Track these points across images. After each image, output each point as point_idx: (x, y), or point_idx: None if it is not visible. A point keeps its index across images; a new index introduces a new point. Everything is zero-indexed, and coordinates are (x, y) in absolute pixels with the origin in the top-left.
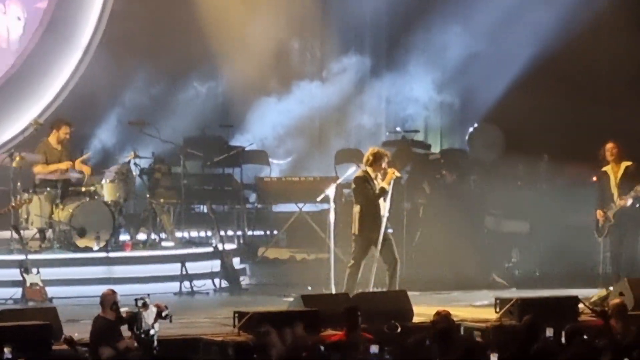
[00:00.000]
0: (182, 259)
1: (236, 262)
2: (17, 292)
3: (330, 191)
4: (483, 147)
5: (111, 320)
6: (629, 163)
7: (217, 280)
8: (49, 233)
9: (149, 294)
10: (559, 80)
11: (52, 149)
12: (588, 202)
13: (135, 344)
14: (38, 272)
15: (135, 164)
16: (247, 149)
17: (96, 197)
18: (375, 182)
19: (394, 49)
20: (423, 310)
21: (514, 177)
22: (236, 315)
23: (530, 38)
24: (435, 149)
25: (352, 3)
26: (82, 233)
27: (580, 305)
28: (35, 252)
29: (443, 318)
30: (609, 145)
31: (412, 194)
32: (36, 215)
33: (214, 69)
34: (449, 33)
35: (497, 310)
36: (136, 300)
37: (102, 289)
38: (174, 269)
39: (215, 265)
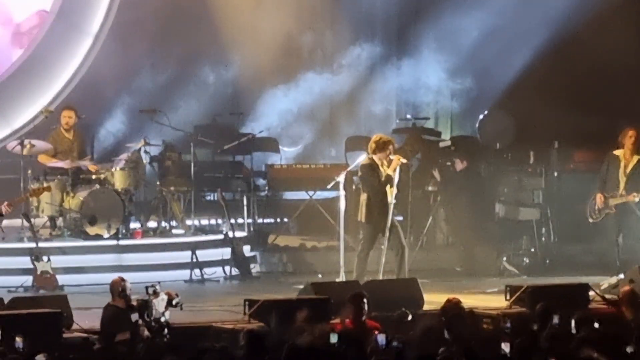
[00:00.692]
0: (193, 247)
1: (246, 249)
2: (27, 280)
3: (341, 178)
4: (493, 134)
5: (121, 308)
6: None
7: (227, 268)
8: (60, 221)
9: (159, 282)
10: (569, 66)
11: (62, 138)
12: (598, 180)
13: (146, 332)
14: (49, 260)
15: (146, 152)
16: (257, 136)
17: (107, 185)
18: (381, 169)
19: (404, 36)
20: (433, 298)
21: (525, 164)
22: (246, 302)
23: (541, 24)
24: (446, 136)
25: None
26: (92, 221)
27: (591, 293)
28: (46, 240)
29: (453, 306)
30: (631, 132)
31: (422, 181)
32: (47, 203)
33: (224, 56)
34: (459, 20)
35: (508, 297)
36: (147, 287)
37: (112, 276)
38: (185, 256)
39: (225, 252)
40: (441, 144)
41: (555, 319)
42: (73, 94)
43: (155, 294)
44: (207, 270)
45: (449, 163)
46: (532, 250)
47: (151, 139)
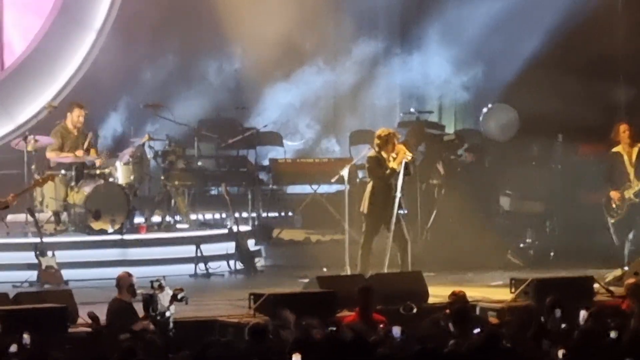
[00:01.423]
0: (197, 241)
1: (251, 243)
2: (32, 275)
3: (345, 172)
4: (497, 127)
5: (128, 302)
6: None
7: (232, 262)
8: (64, 216)
9: (164, 276)
10: (573, 60)
11: (68, 133)
12: (602, 182)
13: (151, 326)
14: (53, 254)
15: (150, 147)
16: (261, 130)
17: (111, 179)
18: (388, 162)
19: (408, 30)
20: (438, 291)
21: (529, 157)
22: (251, 297)
23: (545, 17)
24: (450, 129)
25: None
26: (97, 216)
27: (596, 285)
28: (51, 234)
29: (459, 299)
30: (622, 127)
31: (427, 174)
32: (51, 198)
33: (228, 51)
34: (463, 13)
35: (512, 290)
36: (152, 282)
37: (117, 271)
38: (189, 251)
39: (230, 247)
40: (445, 138)
41: (558, 313)
42: (76, 89)
43: (161, 288)
44: (211, 264)
45: (453, 157)
46: (537, 243)
47: (155, 134)
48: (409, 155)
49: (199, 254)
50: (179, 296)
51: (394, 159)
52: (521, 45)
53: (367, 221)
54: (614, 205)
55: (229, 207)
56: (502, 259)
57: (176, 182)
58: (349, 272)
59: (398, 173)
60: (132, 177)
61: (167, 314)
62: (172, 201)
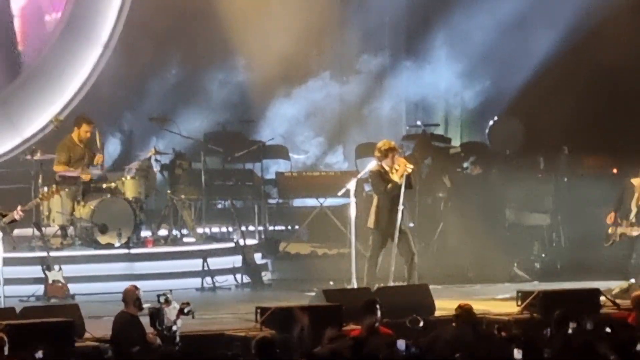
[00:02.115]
0: (204, 255)
1: (258, 257)
2: (39, 289)
3: (351, 185)
4: (503, 140)
5: (134, 316)
6: None
7: (238, 276)
8: (71, 230)
9: (171, 290)
10: (578, 73)
11: (75, 147)
12: (608, 194)
13: (158, 340)
14: (60, 269)
15: (156, 160)
16: (267, 143)
17: (117, 193)
18: (390, 175)
19: (413, 43)
20: (445, 304)
21: (535, 170)
22: (258, 310)
23: (551, 31)
24: (456, 142)
25: None
26: (103, 230)
27: (602, 298)
28: (57, 249)
29: (465, 312)
30: None
31: (433, 187)
32: (57, 212)
33: (234, 65)
34: (470, 26)
35: (519, 303)
36: (158, 296)
37: (124, 285)
38: (196, 264)
39: (236, 260)
40: (451, 151)
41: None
42: (82, 103)
43: (167, 302)
44: (218, 278)
45: (459, 169)
46: (543, 255)
47: (161, 147)
48: (409, 168)
49: (205, 268)
50: (186, 310)
51: (397, 170)
52: (527, 58)
53: (373, 236)
54: (609, 230)
55: (236, 220)
56: (508, 271)
57: (182, 196)
58: (355, 286)
59: (400, 186)
60: (138, 191)
61: (174, 327)
62: (179, 215)
